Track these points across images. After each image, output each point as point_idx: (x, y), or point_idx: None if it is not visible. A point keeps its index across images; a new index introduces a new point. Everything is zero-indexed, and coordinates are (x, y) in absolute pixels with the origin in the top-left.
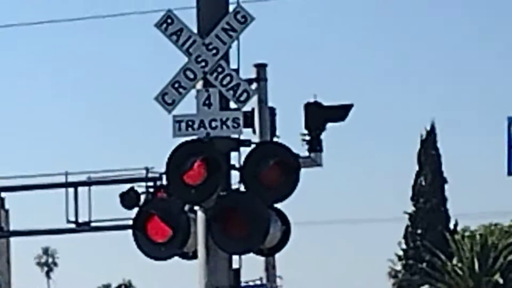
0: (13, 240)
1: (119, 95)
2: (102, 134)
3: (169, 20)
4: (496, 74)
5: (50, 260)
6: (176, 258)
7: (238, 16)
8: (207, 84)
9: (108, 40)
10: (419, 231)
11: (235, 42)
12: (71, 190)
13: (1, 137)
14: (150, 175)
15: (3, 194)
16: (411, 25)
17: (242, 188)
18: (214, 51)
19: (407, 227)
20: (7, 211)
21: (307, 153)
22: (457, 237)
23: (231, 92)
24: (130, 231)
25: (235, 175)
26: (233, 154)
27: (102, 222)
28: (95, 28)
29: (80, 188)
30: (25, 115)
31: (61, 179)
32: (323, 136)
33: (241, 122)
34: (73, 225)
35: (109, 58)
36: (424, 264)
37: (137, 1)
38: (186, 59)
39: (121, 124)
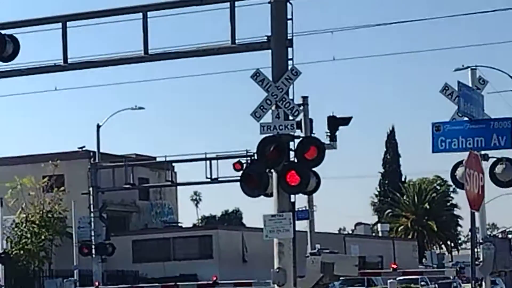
0: (179, 188)
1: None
2: (226, 129)
3: (258, 74)
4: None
5: (197, 198)
6: (262, 196)
7: (293, 72)
8: (277, 107)
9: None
10: (386, 182)
11: (291, 85)
12: (208, 162)
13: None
14: (248, 153)
15: (174, 164)
16: None
17: (296, 160)
18: (281, 89)
19: (380, 179)
20: (175, 172)
21: (328, 142)
22: (406, 185)
23: (290, 110)
24: (238, 183)
25: (292, 153)
26: (291, 143)
27: (224, 178)
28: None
29: (213, 161)
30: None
31: (203, 156)
32: (337, 133)
33: (295, 126)
34: (209, 179)
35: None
36: (389, 199)
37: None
38: (265, 94)
39: (237, 125)
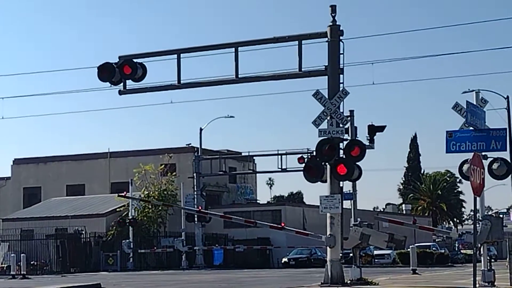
0: (258, 175)
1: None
2: (294, 131)
3: (318, 93)
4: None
5: (271, 182)
6: (319, 182)
7: (343, 92)
8: (331, 117)
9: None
10: (409, 173)
11: (342, 102)
12: (279, 156)
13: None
14: (309, 151)
15: (254, 157)
16: None
17: (344, 156)
18: (334, 105)
19: (405, 172)
20: (255, 163)
21: (368, 144)
22: (424, 176)
23: (340, 120)
24: (302, 172)
25: (341, 151)
26: (341, 144)
27: (291, 168)
28: None
29: (283, 156)
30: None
31: (275, 152)
32: (375, 137)
33: (344, 131)
34: (280, 169)
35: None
36: (411, 186)
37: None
38: (322, 108)
39: (301, 129)
